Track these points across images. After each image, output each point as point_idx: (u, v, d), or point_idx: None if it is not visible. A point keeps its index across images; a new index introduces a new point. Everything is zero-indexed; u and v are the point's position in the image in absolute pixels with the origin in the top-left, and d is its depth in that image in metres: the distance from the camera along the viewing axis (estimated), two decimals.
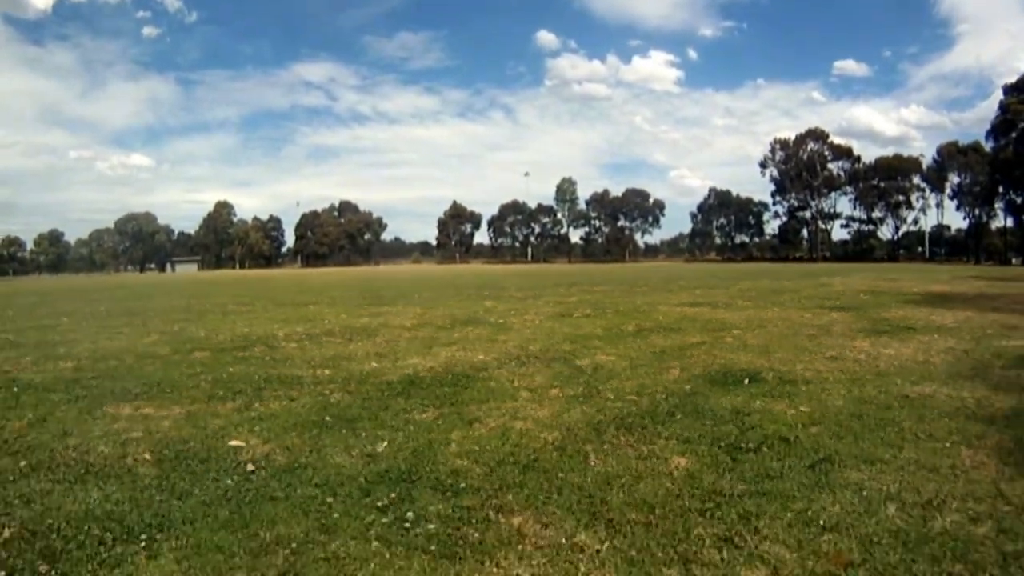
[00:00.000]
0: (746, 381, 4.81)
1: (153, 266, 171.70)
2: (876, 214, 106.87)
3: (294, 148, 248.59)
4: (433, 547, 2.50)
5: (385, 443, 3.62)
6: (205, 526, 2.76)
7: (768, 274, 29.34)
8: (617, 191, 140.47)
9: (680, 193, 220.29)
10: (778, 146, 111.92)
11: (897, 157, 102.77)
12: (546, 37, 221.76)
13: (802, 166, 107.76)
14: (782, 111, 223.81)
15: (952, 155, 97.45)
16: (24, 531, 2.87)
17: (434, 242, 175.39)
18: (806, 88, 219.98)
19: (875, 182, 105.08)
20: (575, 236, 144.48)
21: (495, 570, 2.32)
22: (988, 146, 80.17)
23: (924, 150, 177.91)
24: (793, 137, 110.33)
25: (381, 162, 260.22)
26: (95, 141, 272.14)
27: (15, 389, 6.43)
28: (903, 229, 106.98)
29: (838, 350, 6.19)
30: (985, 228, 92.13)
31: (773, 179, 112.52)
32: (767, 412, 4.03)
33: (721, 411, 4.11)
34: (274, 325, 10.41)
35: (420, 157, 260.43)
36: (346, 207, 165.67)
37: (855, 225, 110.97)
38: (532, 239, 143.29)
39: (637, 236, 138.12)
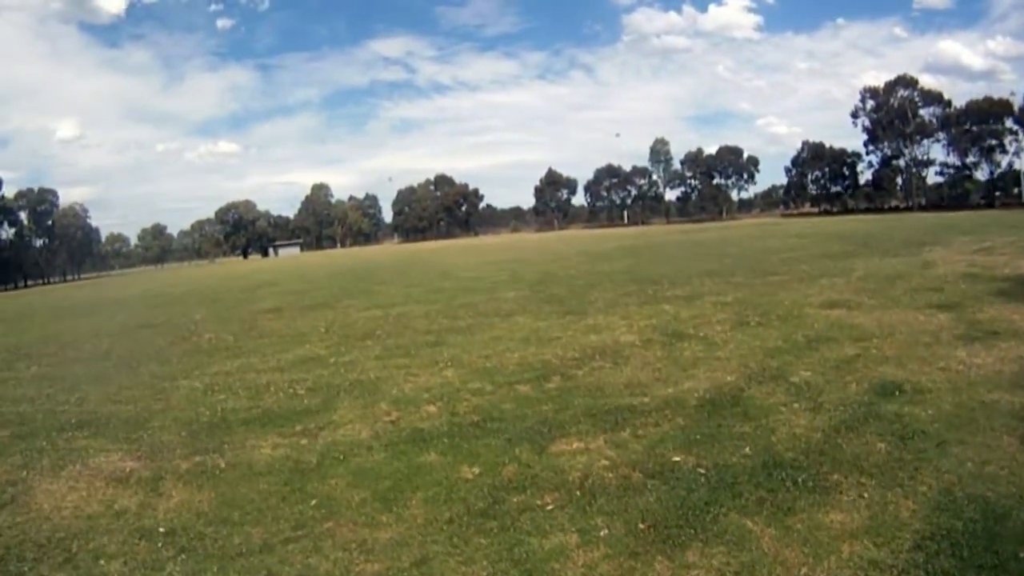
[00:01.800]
0: (896, 392, 7.93)
1: (251, 250, 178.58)
2: (970, 159, 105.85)
3: (378, 123, 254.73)
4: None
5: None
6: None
7: (873, 241, 31.87)
8: (705, 144, 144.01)
9: (769, 141, 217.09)
10: (868, 95, 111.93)
11: (987, 100, 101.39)
12: None
13: (893, 114, 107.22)
14: (865, 50, 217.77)
15: None
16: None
17: (525, 207, 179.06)
18: (887, 24, 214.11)
19: (967, 126, 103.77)
20: (670, 195, 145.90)
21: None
22: None
23: (1015, 84, 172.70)
24: (882, 85, 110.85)
25: (466, 130, 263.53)
26: (181, 133, 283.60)
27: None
28: (998, 172, 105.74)
29: (945, 361, 9.18)
30: None
31: (865, 128, 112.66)
32: (912, 415, 7.13)
33: (889, 415, 7.19)
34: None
35: (504, 122, 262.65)
36: (441, 180, 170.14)
37: (950, 171, 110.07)
38: (628, 201, 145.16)
39: (732, 193, 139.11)
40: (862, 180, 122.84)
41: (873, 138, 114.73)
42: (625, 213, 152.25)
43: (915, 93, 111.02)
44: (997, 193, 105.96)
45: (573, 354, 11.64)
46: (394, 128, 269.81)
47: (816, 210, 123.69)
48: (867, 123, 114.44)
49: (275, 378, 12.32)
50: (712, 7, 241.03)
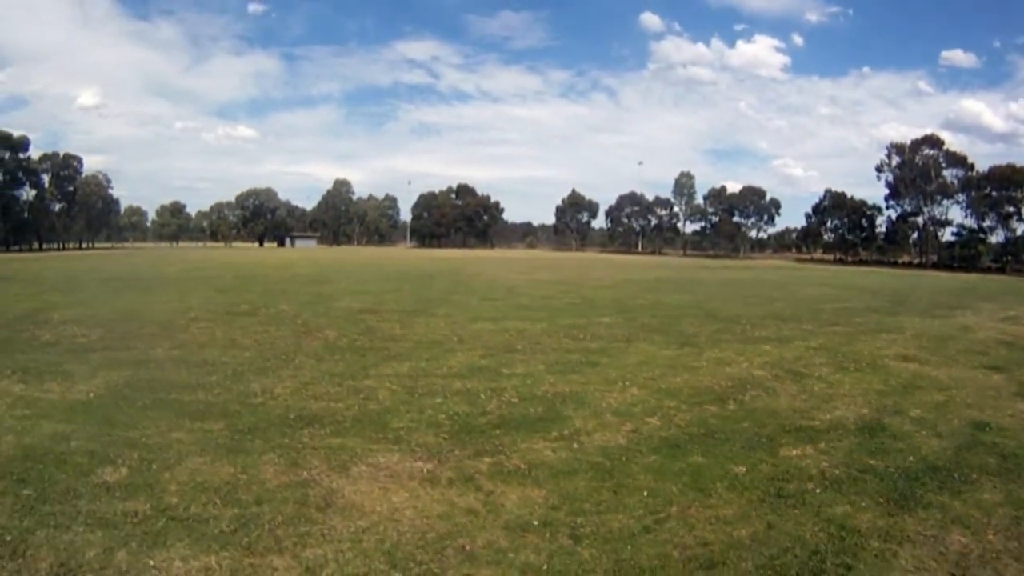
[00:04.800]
0: (986, 428, 10.70)
1: (266, 239, 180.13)
2: (987, 223, 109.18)
3: (396, 124, 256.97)
4: None
5: None
6: None
7: (906, 300, 35.23)
8: (719, 178, 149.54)
9: (783, 182, 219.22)
10: (894, 150, 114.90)
11: (1010, 167, 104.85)
12: (650, 19, 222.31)
13: (916, 172, 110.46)
14: (887, 101, 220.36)
15: None
16: None
17: (536, 223, 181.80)
18: (912, 78, 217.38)
19: (987, 191, 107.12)
20: (689, 228, 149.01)
21: None
22: None
23: None
24: (909, 142, 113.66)
25: (483, 140, 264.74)
26: (200, 112, 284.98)
27: None
28: (1013, 237, 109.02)
29: (1012, 410, 11.96)
30: None
31: (888, 183, 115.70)
32: (1004, 443, 9.93)
33: (987, 442, 10.03)
34: None
35: (522, 136, 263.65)
36: (463, 190, 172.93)
37: (964, 233, 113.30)
38: (648, 230, 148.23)
39: (751, 233, 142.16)
40: (877, 232, 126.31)
41: (895, 193, 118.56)
42: (640, 241, 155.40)
43: (940, 154, 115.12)
44: (1008, 258, 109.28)
45: (725, 382, 13.60)
46: (412, 131, 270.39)
47: (831, 257, 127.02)
48: (890, 178, 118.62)
49: (469, 385, 12.97)
50: (740, 43, 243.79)
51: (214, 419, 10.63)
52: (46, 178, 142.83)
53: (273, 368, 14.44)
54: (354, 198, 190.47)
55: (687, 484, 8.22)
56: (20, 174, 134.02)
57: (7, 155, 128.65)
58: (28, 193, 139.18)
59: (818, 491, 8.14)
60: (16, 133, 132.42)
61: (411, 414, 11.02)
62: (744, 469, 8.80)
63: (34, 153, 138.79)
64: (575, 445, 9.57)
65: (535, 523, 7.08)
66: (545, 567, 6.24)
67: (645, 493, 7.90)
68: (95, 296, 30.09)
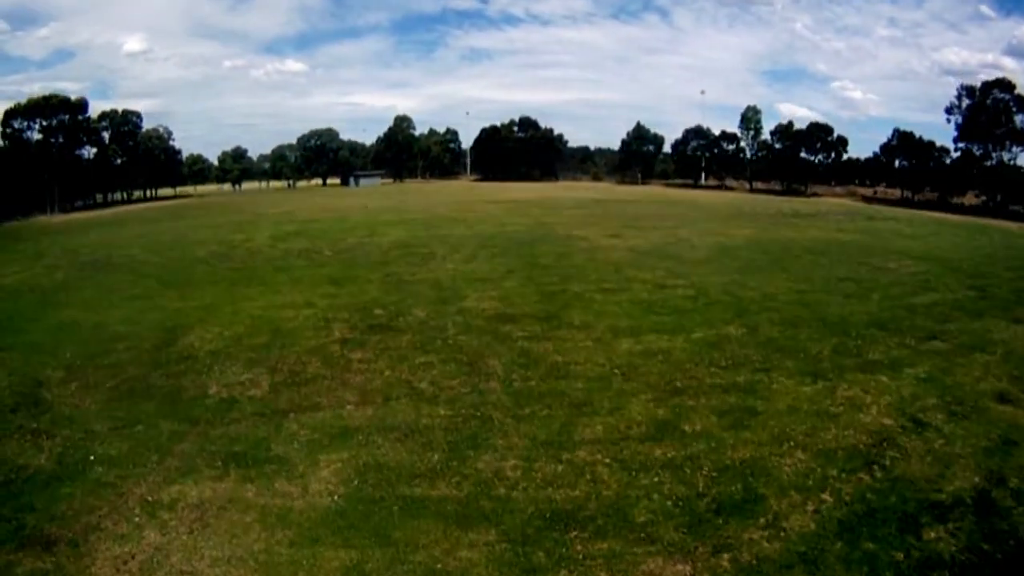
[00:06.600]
0: None
1: (330, 178, 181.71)
2: None
3: (447, 51, 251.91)
4: None
5: None
6: None
7: (988, 287, 35.08)
8: (776, 99, 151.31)
9: (842, 106, 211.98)
10: (964, 93, 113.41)
11: None
12: None
13: (987, 115, 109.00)
14: (949, 24, 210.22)
15: None
16: None
17: (593, 147, 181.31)
18: (974, 1, 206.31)
19: None
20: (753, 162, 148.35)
21: None
22: None
23: None
24: (979, 84, 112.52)
25: (536, 64, 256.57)
26: (248, 50, 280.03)
27: None
28: None
29: None
30: None
31: (957, 127, 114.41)
32: None
33: None
34: None
35: (575, 59, 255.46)
36: (526, 123, 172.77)
37: None
38: (714, 166, 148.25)
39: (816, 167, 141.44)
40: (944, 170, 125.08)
41: (964, 136, 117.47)
42: (703, 174, 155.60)
43: (1011, 98, 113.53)
44: None
45: (866, 439, 15.56)
46: (463, 57, 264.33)
47: (896, 194, 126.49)
48: (959, 120, 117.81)
49: (668, 454, 14.93)
50: None
51: (481, 527, 11.98)
52: (107, 135, 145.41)
53: (481, 436, 15.77)
54: (416, 133, 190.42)
55: (868, 574, 10.78)
56: (81, 135, 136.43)
57: (67, 118, 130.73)
58: (90, 152, 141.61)
59: None
60: (74, 97, 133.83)
61: (643, 502, 12.72)
62: (902, 556, 11.14)
63: (93, 112, 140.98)
64: (781, 533, 11.65)
65: None
66: None
67: None
68: (215, 302, 30.55)
